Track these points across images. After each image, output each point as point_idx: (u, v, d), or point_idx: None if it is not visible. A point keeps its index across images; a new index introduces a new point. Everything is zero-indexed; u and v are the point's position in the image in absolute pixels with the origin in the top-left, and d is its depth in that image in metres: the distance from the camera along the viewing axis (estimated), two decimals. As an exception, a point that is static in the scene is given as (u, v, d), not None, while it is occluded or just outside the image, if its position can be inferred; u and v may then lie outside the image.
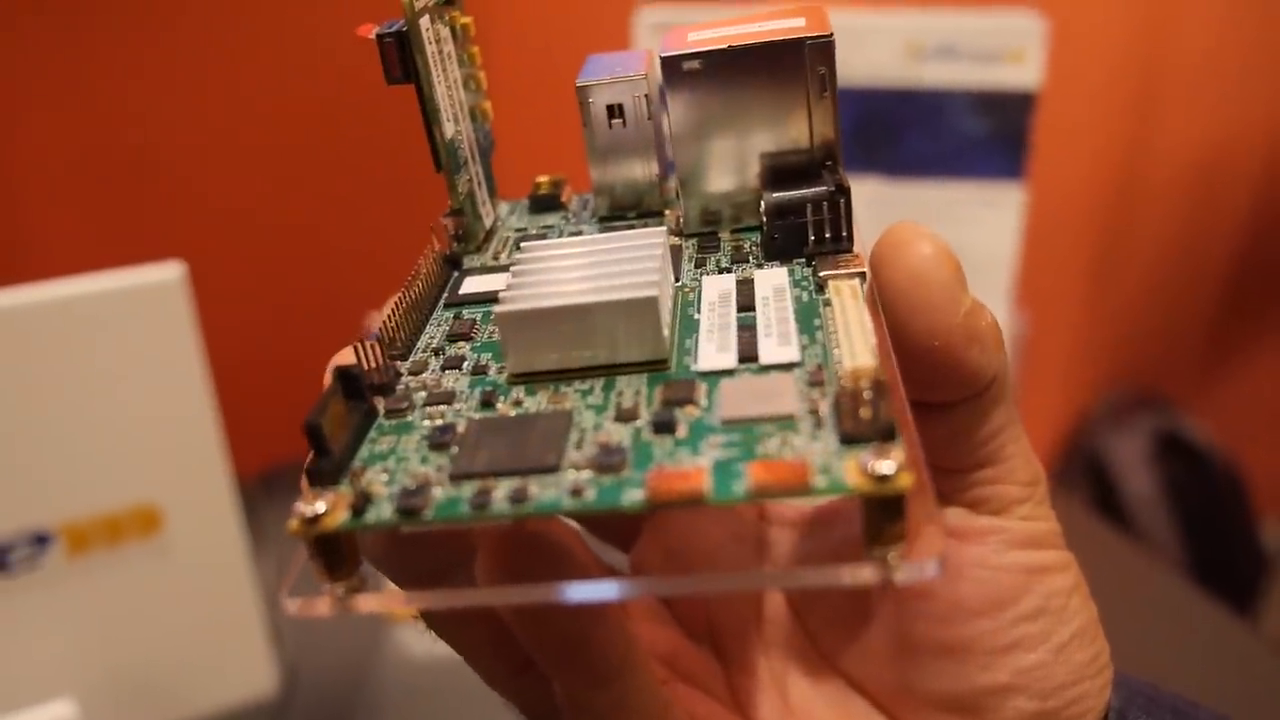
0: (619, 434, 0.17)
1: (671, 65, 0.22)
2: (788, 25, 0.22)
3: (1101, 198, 1.08)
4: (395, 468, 0.18)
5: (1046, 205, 0.80)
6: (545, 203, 0.27)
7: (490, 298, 0.22)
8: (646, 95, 0.24)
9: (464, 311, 0.22)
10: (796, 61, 0.22)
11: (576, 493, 0.16)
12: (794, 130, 0.22)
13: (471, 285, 0.23)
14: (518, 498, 0.16)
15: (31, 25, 0.73)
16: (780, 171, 0.23)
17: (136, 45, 0.75)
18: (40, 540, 0.45)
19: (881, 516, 0.16)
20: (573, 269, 0.20)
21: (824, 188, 0.22)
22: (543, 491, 0.16)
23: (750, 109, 0.22)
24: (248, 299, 0.80)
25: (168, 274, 0.45)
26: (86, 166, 0.77)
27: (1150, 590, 0.67)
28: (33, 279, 0.44)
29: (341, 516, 0.17)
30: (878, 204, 0.67)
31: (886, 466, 0.15)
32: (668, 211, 0.25)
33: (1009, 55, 0.63)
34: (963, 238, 0.66)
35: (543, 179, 0.27)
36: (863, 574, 0.16)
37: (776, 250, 0.22)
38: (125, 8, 0.74)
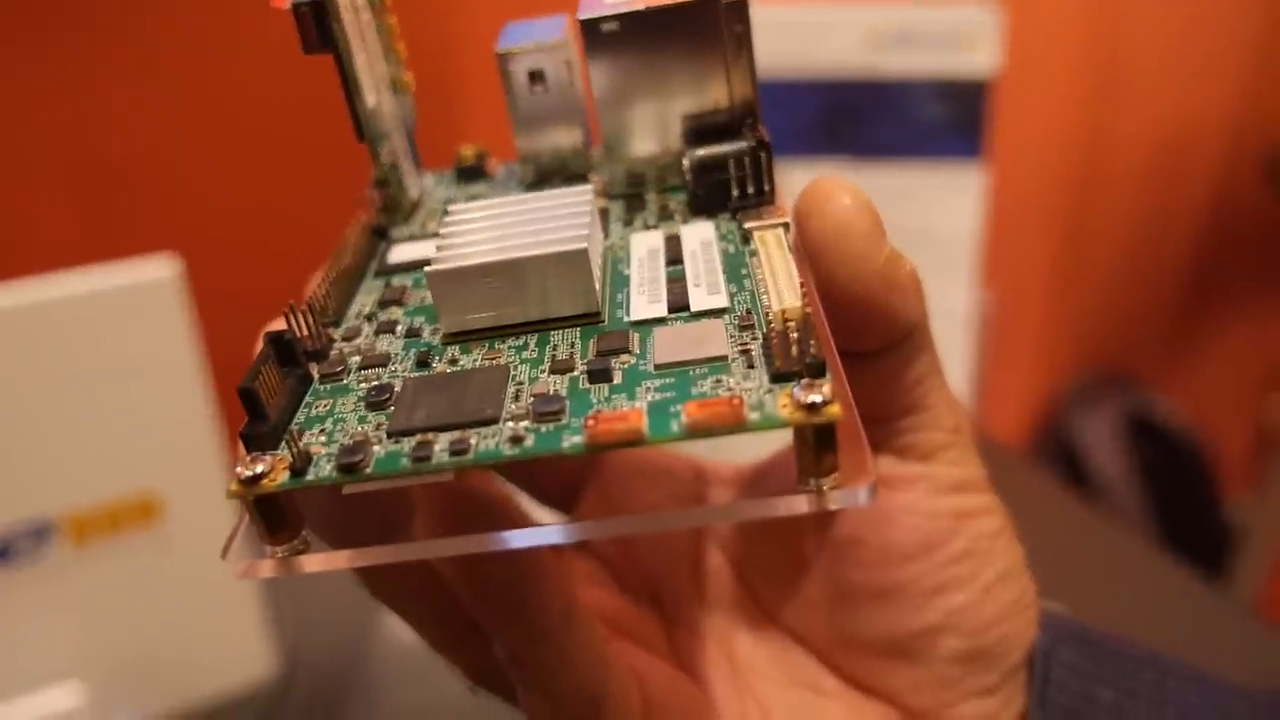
0: (555, 385, 0.18)
1: (590, 28, 0.22)
2: (703, -14, 0.22)
3: (1067, 181, 1.10)
4: (333, 429, 0.18)
5: (1014, 189, 0.81)
6: (471, 173, 0.27)
7: (421, 264, 0.22)
8: (568, 61, 0.24)
9: (394, 279, 0.22)
10: (713, 21, 0.22)
11: (516, 440, 0.16)
12: (714, 89, 0.23)
13: (401, 253, 0.23)
14: (458, 449, 0.16)
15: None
16: (702, 131, 0.23)
17: (97, 47, 0.73)
18: (42, 532, 0.46)
19: (814, 448, 0.16)
20: (502, 227, 0.20)
21: (745, 143, 0.22)
22: (483, 442, 0.17)
23: (670, 70, 0.23)
24: (227, 291, 0.78)
25: (164, 269, 0.46)
26: (57, 167, 0.75)
27: (1124, 559, 0.69)
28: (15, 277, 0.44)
29: (281, 477, 0.17)
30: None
31: (816, 397, 0.16)
32: (593, 176, 0.25)
33: (964, 44, 0.65)
34: (927, 219, 0.69)
35: (467, 149, 0.27)
36: (798, 503, 0.17)
37: (701, 205, 0.23)
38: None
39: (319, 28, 0.22)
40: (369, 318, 0.21)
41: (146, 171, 0.77)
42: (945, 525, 0.23)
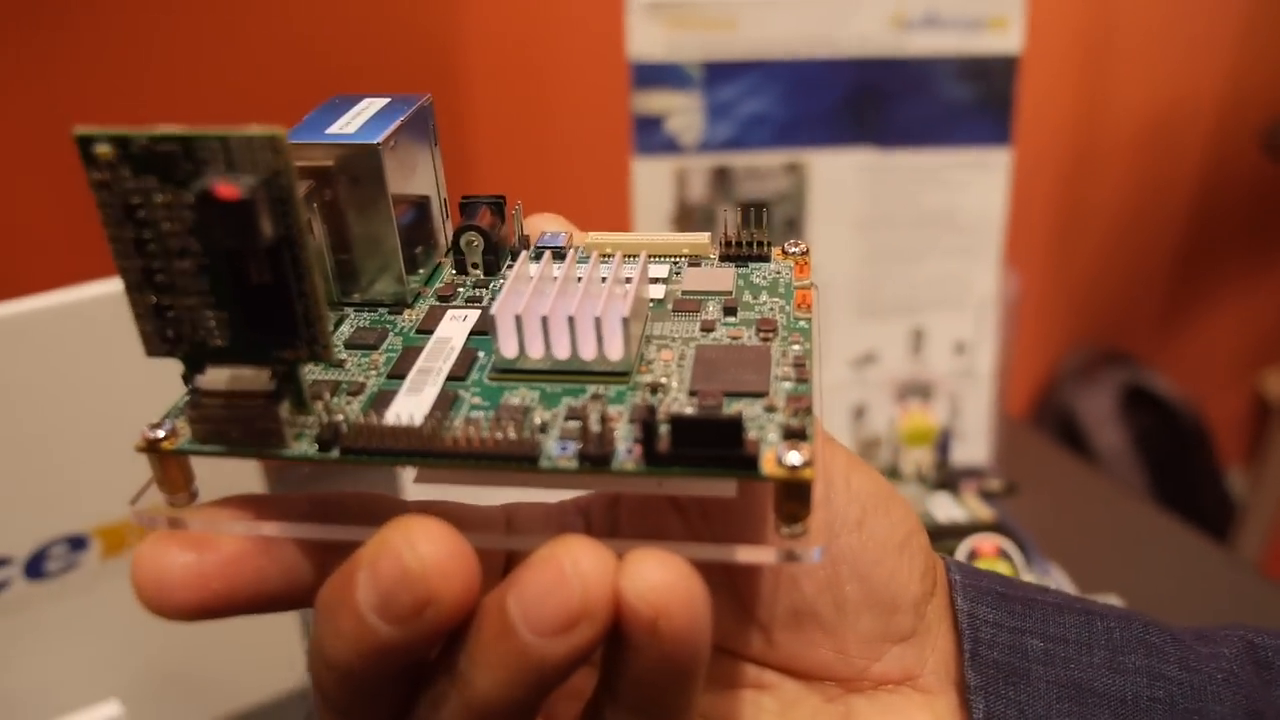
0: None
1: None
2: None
3: (1064, 161, 1.08)
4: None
5: (1024, 169, 0.81)
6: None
7: None
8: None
9: None
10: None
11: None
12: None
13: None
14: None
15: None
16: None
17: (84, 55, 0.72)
18: (76, 544, 0.45)
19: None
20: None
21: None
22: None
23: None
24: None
25: None
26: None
27: (1127, 524, 0.71)
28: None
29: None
30: (870, 171, 0.65)
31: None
32: None
33: (991, 22, 0.64)
34: (954, 202, 0.67)
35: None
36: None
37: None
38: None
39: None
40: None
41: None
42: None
